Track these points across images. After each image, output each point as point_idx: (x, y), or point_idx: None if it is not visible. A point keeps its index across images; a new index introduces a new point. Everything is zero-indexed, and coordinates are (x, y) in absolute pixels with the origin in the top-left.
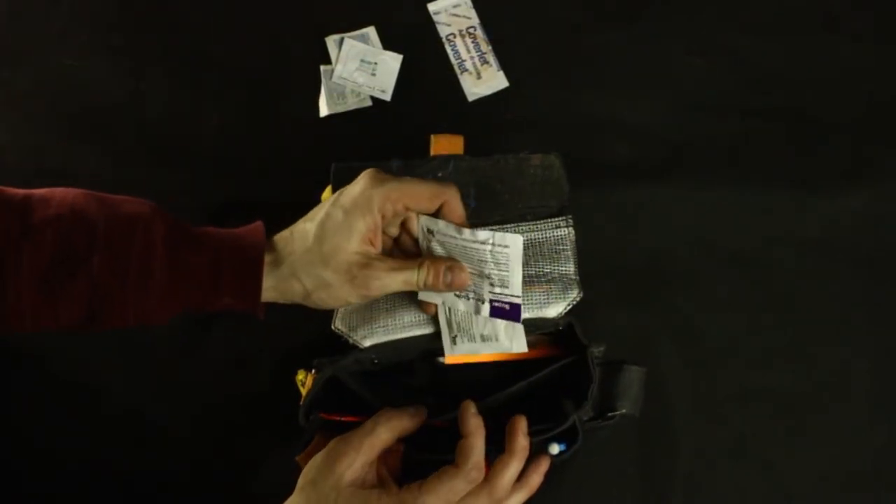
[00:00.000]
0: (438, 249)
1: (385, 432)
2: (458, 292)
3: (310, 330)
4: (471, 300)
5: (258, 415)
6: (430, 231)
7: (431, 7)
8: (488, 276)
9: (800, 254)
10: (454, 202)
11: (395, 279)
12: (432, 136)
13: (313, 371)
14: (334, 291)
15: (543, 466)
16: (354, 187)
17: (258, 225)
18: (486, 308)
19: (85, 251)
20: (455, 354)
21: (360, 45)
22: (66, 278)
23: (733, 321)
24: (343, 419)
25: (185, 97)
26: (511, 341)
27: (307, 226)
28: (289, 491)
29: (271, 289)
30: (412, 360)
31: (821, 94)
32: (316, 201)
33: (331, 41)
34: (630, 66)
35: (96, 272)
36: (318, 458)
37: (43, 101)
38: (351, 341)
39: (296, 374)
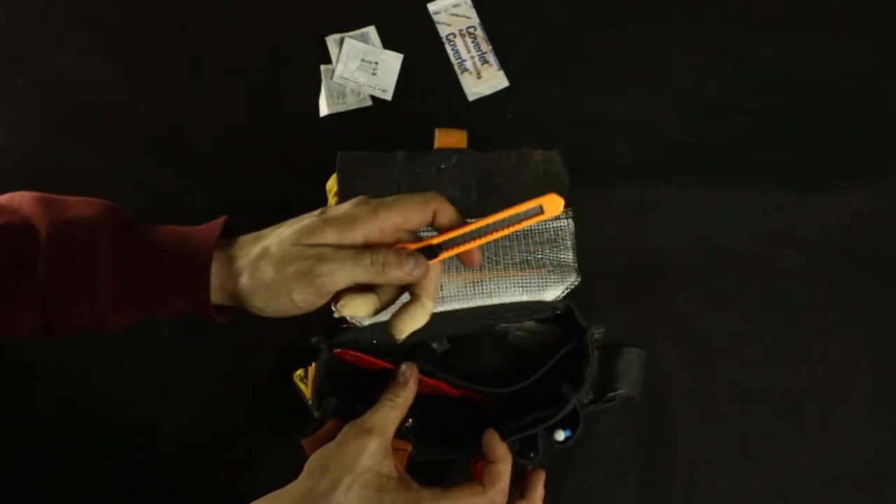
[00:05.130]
0: None
1: (391, 409)
2: None
3: (309, 328)
4: None
5: (257, 414)
6: None
7: (431, 7)
8: None
9: (800, 254)
10: (444, 205)
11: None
12: (437, 130)
13: (314, 365)
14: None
15: (541, 479)
16: (340, 206)
17: (216, 223)
18: None
19: (29, 259)
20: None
21: (360, 45)
22: (15, 286)
23: (733, 321)
24: (365, 357)
25: (185, 97)
26: None
27: (282, 230)
28: None
29: (217, 289)
30: (416, 344)
31: (821, 94)
32: (316, 200)
33: (331, 41)
34: (630, 66)
35: (42, 279)
36: (330, 446)
37: (43, 101)
38: (349, 318)
39: (295, 373)
